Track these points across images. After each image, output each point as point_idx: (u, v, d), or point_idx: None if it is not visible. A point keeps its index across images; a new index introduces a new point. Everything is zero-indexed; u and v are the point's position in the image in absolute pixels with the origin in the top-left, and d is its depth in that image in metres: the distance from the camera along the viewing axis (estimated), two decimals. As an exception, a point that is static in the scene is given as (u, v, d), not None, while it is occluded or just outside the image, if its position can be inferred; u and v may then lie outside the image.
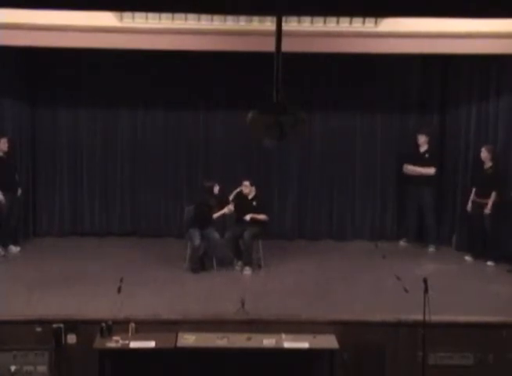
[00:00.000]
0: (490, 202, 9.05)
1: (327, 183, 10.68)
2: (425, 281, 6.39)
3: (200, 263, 8.82)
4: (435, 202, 10.12)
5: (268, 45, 5.67)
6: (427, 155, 10.01)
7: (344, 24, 8.29)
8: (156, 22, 8.23)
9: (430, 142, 10.05)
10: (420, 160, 10.00)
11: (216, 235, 8.88)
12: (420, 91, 10.50)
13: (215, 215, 9.00)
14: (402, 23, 8.08)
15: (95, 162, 10.62)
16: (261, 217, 9.06)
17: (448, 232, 10.19)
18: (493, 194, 9.05)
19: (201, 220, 8.90)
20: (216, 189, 9.02)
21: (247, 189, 9.13)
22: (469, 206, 9.39)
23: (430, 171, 9.93)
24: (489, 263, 9.12)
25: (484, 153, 9.17)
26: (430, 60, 9.96)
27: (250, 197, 9.15)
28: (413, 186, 10.09)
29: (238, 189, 9.21)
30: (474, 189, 9.35)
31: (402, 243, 10.42)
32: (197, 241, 8.70)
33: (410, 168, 10.09)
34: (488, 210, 9.06)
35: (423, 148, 10.03)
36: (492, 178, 9.14)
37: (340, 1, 4.88)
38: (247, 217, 8.98)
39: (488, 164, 9.19)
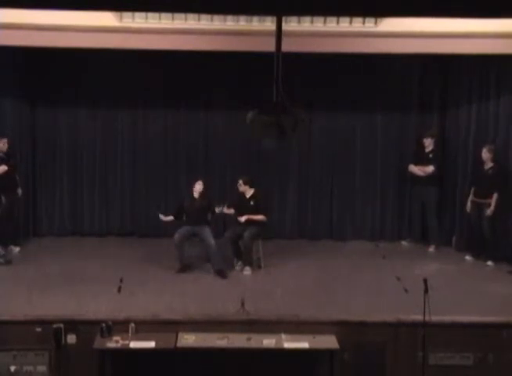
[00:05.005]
0: (492, 204, 9.00)
1: (327, 183, 10.68)
2: (425, 281, 6.40)
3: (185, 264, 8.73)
4: (437, 202, 10.13)
5: (268, 45, 5.68)
6: (430, 155, 10.02)
7: (344, 24, 8.27)
8: (156, 22, 8.21)
9: (435, 143, 10.07)
10: (424, 160, 10.01)
11: (211, 240, 8.62)
12: (420, 91, 10.49)
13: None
14: (402, 23, 8.07)
15: (94, 162, 10.62)
16: (258, 217, 8.87)
17: (448, 232, 10.19)
18: (495, 195, 9.00)
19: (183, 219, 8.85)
20: (198, 186, 8.84)
21: (241, 187, 9.03)
22: (468, 206, 9.37)
23: (429, 169, 9.93)
24: (489, 263, 9.12)
25: (486, 154, 9.11)
26: (430, 60, 9.95)
27: (247, 196, 9.05)
28: (418, 186, 10.11)
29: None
30: (472, 189, 9.32)
31: (404, 243, 10.43)
32: (176, 235, 8.62)
33: (413, 169, 10.10)
34: (490, 212, 9.01)
35: (429, 149, 10.04)
36: (493, 178, 9.09)
37: (340, 1, 4.87)
38: (242, 218, 8.82)
39: (489, 164, 9.14)
